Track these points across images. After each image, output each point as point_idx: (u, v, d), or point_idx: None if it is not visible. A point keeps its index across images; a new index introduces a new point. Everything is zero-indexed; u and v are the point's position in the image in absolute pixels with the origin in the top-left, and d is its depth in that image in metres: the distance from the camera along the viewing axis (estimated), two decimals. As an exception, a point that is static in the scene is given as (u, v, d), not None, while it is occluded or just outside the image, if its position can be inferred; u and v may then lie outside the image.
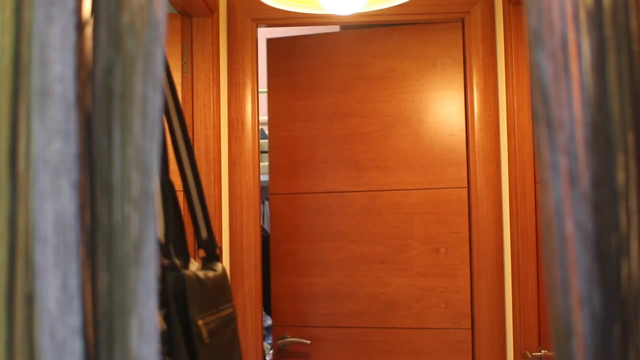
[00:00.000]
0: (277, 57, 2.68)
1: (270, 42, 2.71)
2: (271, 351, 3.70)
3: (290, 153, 2.60)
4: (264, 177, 3.00)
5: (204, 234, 0.97)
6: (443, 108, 2.55)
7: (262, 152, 3.27)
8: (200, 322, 0.84)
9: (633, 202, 0.32)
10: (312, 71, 2.65)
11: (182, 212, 0.94)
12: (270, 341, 3.87)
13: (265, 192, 3.32)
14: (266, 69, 2.69)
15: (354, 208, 2.59)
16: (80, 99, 0.36)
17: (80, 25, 0.36)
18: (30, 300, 0.34)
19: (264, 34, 2.84)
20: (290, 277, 2.63)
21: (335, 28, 3.26)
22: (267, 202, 4.32)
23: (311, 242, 2.60)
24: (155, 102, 0.37)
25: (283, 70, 2.67)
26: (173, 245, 0.85)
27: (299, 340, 2.60)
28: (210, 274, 0.90)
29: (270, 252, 2.69)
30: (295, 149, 2.59)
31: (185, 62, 2.21)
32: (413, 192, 2.58)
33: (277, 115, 2.67)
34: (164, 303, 0.80)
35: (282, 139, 2.58)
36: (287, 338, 2.58)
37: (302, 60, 2.67)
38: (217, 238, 1.16)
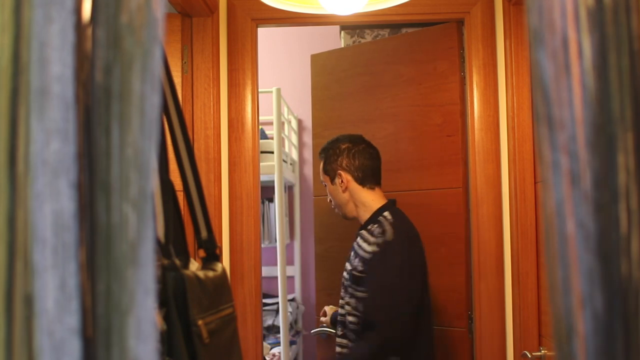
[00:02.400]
0: (317, 71, 2.96)
1: (313, 57, 3.00)
2: (271, 351, 3.70)
3: (327, 158, 2.87)
4: (264, 177, 3.03)
5: (204, 234, 0.97)
6: (443, 109, 2.57)
7: (262, 152, 3.27)
8: (200, 322, 0.83)
9: (634, 202, 0.32)
10: (341, 82, 2.89)
11: (182, 212, 0.93)
12: (270, 341, 3.88)
13: (265, 192, 3.34)
14: (310, 84, 3.01)
15: (375, 209, 2.73)
16: (78, 99, 0.35)
17: (79, 25, 0.36)
18: (29, 300, 0.34)
19: (269, 35, 2.94)
20: (328, 272, 2.85)
21: (337, 29, 3.35)
22: (267, 202, 4.32)
23: (342, 241, 2.74)
24: (154, 101, 0.37)
25: (321, 83, 2.95)
26: (173, 245, 0.85)
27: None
28: (210, 274, 0.90)
29: (315, 249, 2.97)
30: (330, 154, 2.86)
31: (185, 62, 2.21)
32: (418, 193, 2.64)
33: (318, 124, 2.94)
34: (163, 303, 0.80)
35: (321, 146, 2.74)
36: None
37: (334, 72, 2.92)
38: (217, 238, 1.16)
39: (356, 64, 2.86)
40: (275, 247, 3.63)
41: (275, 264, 3.51)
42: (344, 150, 2.37)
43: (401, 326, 2.11)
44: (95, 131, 0.35)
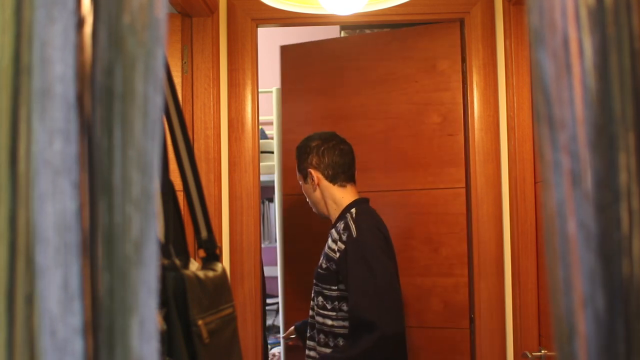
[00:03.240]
0: (290, 63, 2.79)
1: (284, 48, 2.83)
2: (271, 351, 3.70)
3: (301, 155, 2.67)
4: (264, 177, 3.01)
5: (204, 234, 0.97)
6: (443, 108, 2.56)
7: (262, 152, 3.27)
8: (200, 322, 0.83)
9: (635, 202, 0.32)
10: (321, 76, 2.74)
11: (182, 212, 0.93)
12: (270, 341, 3.87)
13: (265, 192, 3.32)
14: (280, 76, 2.80)
15: (360, 209, 2.63)
16: (80, 99, 0.36)
17: (80, 25, 0.36)
18: (30, 300, 0.34)
19: (269, 35, 2.88)
20: (304, 276, 2.67)
21: (337, 29, 3.31)
22: (267, 202, 4.32)
23: (321, 242, 2.57)
24: (156, 102, 0.37)
25: (295, 76, 2.78)
26: (173, 245, 0.85)
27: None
28: (210, 274, 0.90)
29: (285, 250, 2.79)
30: (306, 151, 2.67)
31: (185, 62, 2.21)
32: (414, 192, 2.61)
33: (289, 120, 2.78)
34: (164, 303, 0.80)
35: (294, 142, 2.56)
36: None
37: (312, 65, 2.77)
38: (217, 238, 1.16)
39: (336, 58, 2.72)
40: (275, 247, 3.63)
41: (275, 264, 3.51)
42: (313, 148, 2.32)
43: (395, 317, 2.10)
44: (98, 131, 0.35)
